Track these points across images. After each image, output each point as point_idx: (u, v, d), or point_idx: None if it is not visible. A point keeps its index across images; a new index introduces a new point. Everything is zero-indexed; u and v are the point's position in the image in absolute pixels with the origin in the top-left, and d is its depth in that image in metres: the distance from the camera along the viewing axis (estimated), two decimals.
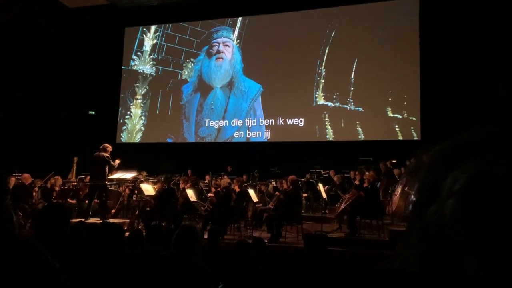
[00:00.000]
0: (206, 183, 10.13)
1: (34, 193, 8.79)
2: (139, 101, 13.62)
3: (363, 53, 11.33)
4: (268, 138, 12.06)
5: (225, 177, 9.39)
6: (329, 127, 11.57)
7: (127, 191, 9.37)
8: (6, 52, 11.13)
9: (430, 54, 10.41)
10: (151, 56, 13.68)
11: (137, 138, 13.49)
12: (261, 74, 12.42)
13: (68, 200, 8.88)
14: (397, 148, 9.89)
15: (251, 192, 7.85)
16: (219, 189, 8.26)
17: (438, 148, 0.50)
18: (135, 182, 9.16)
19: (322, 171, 9.88)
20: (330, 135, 11.53)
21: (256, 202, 8.00)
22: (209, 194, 8.88)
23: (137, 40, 13.85)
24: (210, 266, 2.76)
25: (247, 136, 12.28)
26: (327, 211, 8.41)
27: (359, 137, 11.20)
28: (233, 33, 12.96)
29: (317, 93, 11.79)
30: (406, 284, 0.48)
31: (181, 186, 8.68)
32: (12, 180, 8.12)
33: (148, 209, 8.14)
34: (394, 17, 11.23)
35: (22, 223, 7.28)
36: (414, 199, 0.50)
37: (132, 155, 10.40)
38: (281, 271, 0.56)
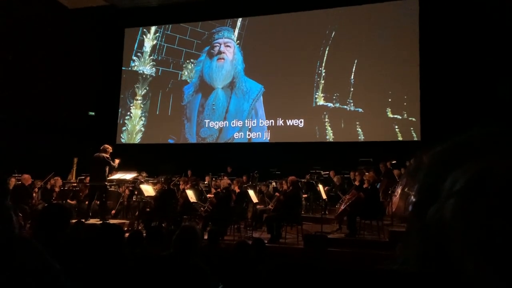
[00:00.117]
0: (206, 184, 10.13)
1: (34, 194, 8.79)
2: (139, 101, 13.62)
3: (363, 53, 11.33)
4: (269, 139, 12.06)
5: (225, 178, 9.39)
6: (329, 128, 11.56)
7: (127, 192, 9.37)
8: (6, 52, 11.13)
9: (430, 54, 10.42)
10: (151, 57, 13.69)
11: (137, 138, 13.49)
12: (261, 75, 12.43)
13: (68, 201, 8.88)
14: (397, 148, 9.89)
15: (251, 193, 7.85)
16: (219, 190, 8.26)
17: (438, 149, 0.50)
18: (135, 183, 9.16)
19: (322, 171, 9.88)
20: (330, 136, 11.53)
21: (256, 203, 7.99)
22: (209, 195, 8.88)
23: (137, 41, 13.85)
24: (210, 267, 2.76)
25: (248, 137, 12.28)
26: (327, 212, 8.40)
27: (359, 137, 11.20)
28: (234, 34, 12.97)
29: (317, 93, 11.79)
30: (406, 285, 0.48)
31: (181, 187, 8.68)
32: (12, 181, 8.11)
33: (148, 210, 8.14)
34: (394, 18, 11.23)
35: (22, 224, 7.27)
36: (414, 200, 0.50)
37: (132, 156, 10.41)
38: (281, 272, 0.56)
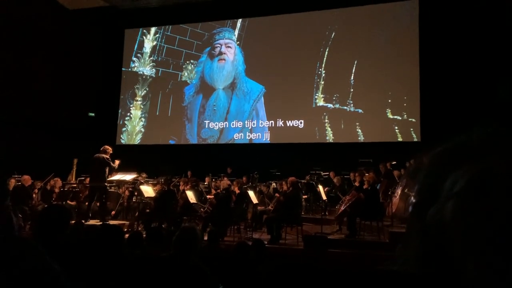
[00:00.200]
0: (206, 184, 10.12)
1: (33, 195, 8.78)
2: (139, 102, 13.62)
3: (363, 54, 11.34)
4: (269, 139, 12.06)
5: (225, 178, 9.40)
6: (329, 129, 11.57)
7: (127, 192, 9.36)
8: (6, 52, 11.13)
9: (430, 55, 10.42)
10: (151, 58, 13.70)
11: (137, 139, 13.49)
12: (262, 75, 12.43)
13: (68, 202, 8.88)
14: (397, 149, 9.89)
15: (251, 193, 7.84)
16: (219, 190, 8.26)
17: (438, 149, 0.50)
18: (135, 183, 9.15)
19: (322, 172, 9.88)
20: (330, 137, 11.53)
21: (256, 204, 7.99)
22: (209, 196, 8.88)
23: (137, 41, 13.86)
24: (210, 267, 2.76)
25: (248, 137, 12.28)
26: (327, 213, 8.41)
27: (359, 138, 11.20)
28: (234, 35, 12.98)
29: (317, 94, 11.79)
30: (406, 285, 0.48)
31: (181, 187, 8.67)
32: (12, 182, 8.11)
33: (148, 210, 8.13)
34: (394, 19, 11.24)
35: (21, 225, 7.26)
36: (414, 200, 0.50)
37: (132, 157, 10.40)
38: (281, 272, 0.56)
